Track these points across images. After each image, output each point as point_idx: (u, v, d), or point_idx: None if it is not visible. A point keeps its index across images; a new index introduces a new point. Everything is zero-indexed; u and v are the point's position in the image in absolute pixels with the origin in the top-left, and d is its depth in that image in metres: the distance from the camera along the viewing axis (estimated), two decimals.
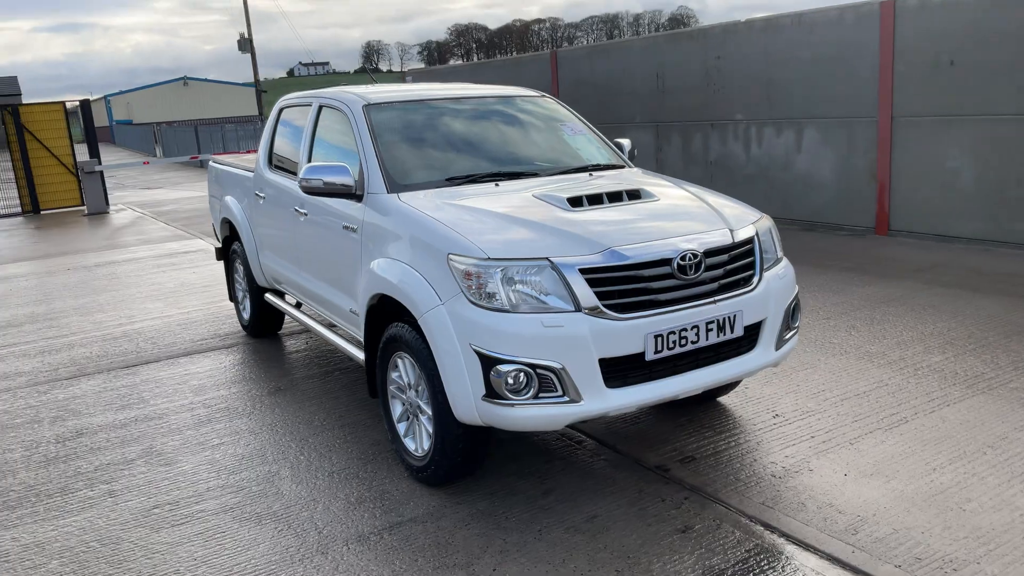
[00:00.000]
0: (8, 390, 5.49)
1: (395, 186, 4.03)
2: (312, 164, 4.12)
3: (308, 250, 4.83)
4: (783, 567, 2.98)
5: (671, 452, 3.98)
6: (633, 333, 3.23)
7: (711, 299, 3.43)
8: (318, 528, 3.44)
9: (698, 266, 3.38)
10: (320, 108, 4.86)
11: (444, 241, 3.40)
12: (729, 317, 3.47)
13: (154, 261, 10.29)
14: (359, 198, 4.09)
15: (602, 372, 3.22)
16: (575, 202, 3.68)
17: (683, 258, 3.34)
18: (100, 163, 16.69)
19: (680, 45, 11.34)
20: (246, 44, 41.57)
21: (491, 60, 17.15)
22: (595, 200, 3.73)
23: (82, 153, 18.74)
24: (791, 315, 3.86)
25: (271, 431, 4.53)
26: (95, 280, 9.25)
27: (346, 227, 4.20)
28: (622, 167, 4.71)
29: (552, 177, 4.28)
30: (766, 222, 3.93)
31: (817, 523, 3.26)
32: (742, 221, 3.75)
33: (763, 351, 3.68)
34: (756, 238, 3.71)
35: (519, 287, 3.20)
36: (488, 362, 3.17)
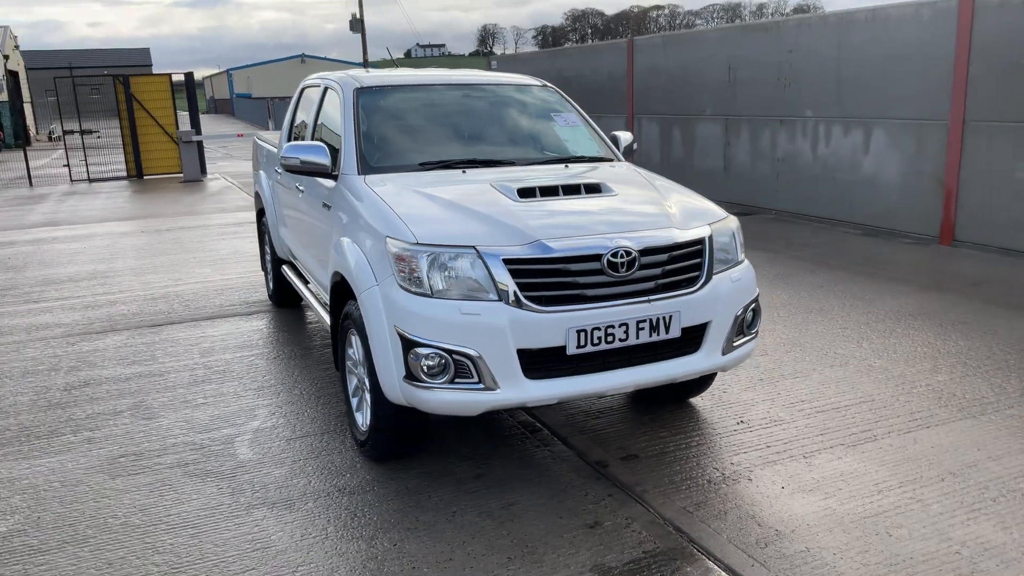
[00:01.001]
0: (43, 339, 5.96)
1: (366, 168, 4.14)
2: (292, 143, 4.28)
3: (302, 225, 5.02)
4: (672, 572, 2.93)
5: (617, 448, 3.96)
6: (554, 326, 3.23)
7: (645, 298, 3.38)
8: (254, 490, 3.62)
9: (631, 264, 3.34)
10: (325, 90, 5.02)
11: (384, 224, 3.49)
12: (664, 317, 3.41)
13: (220, 229, 10.84)
14: (335, 178, 4.23)
15: (521, 363, 3.24)
16: (525, 193, 3.69)
17: (615, 255, 3.31)
18: (197, 134, 17.62)
19: (753, 37, 10.98)
20: (357, 24, 42.77)
21: (570, 47, 17.07)
22: (549, 192, 3.73)
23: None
24: (746, 321, 3.75)
25: (255, 395, 4.76)
26: (160, 244, 9.85)
27: (324, 204, 4.35)
28: (610, 161, 4.66)
29: (526, 167, 4.29)
30: (728, 224, 3.82)
31: (730, 533, 3.18)
32: (696, 222, 3.66)
33: (707, 355, 3.60)
34: (708, 240, 3.61)
35: (445, 273, 3.26)
36: (408, 344, 3.24)
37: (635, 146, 5.04)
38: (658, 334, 3.42)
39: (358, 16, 42.31)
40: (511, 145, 4.55)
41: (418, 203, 3.64)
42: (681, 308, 3.45)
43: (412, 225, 3.39)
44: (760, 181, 11.13)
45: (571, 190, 3.78)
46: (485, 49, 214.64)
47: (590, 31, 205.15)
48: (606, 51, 14.50)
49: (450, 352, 3.20)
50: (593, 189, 3.83)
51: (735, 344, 3.71)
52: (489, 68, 18.85)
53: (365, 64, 45.51)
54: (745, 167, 11.37)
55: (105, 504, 3.52)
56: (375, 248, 3.49)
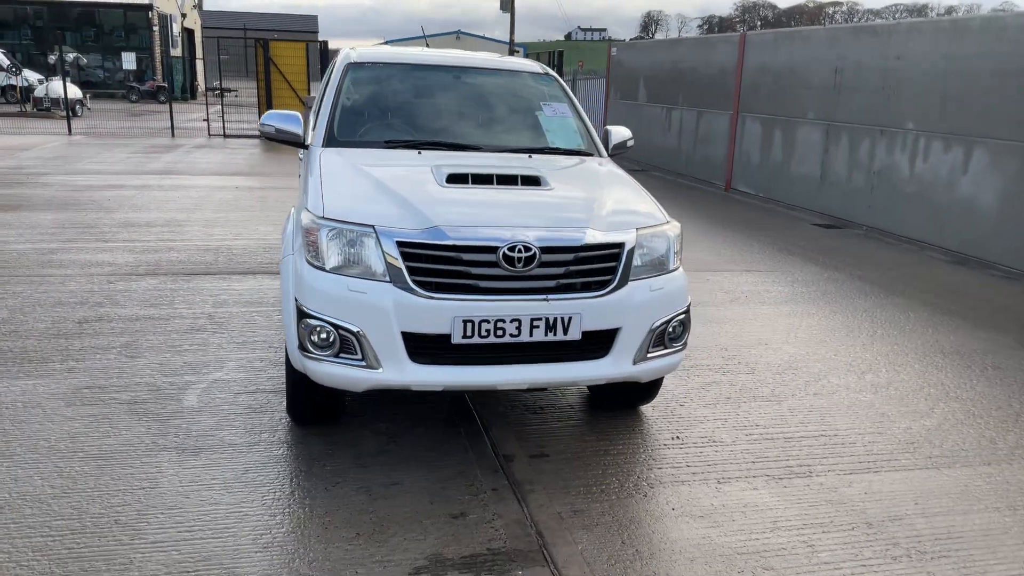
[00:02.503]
0: (89, 276, 6.52)
1: (331, 140, 4.26)
2: (271, 111, 4.46)
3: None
4: (502, 572, 2.89)
5: (534, 445, 3.90)
6: (438, 313, 3.23)
7: (543, 296, 3.31)
8: (176, 434, 3.85)
9: (530, 260, 3.27)
10: (338, 63, 5.18)
11: (310, 196, 3.60)
12: (563, 318, 3.33)
13: None
14: (306, 147, 4.37)
15: (407, 346, 3.27)
16: (455, 179, 3.68)
17: (512, 249, 3.26)
18: None
19: (863, 40, 10.26)
20: (507, 4, 43.18)
21: (686, 38, 16.53)
22: (481, 180, 3.71)
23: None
24: (668, 333, 3.59)
25: (235, 348, 5.02)
26: (243, 200, 10.46)
27: (299, 174, 4.52)
28: (588, 155, 4.55)
29: (489, 153, 4.27)
30: (664, 230, 3.66)
31: (587, 545, 3.09)
32: (621, 226, 3.53)
33: (614, 362, 3.48)
34: (632, 245, 3.48)
35: (342, 249, 3.32)
36: (301, 315, 3.34)
37: (630, 143, 4.89)
38: (555, 334, 3.34)
39: None
40: (484, 130, 4.54)
41: (350, 179, 3.72)
42: (583, 311, 3.35)
43: (327, 200, 3.48)
44: (854, 193, 10.45)
45: (506, 180, 3.74)
46: (647, 36, 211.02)
47: (759, 24, 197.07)
48: (719, 45, 13.97)
49: (336, 327, 3.27)
50: (530, 181, 3.77)
51: (650, 355, 3.56)
52: (609, 55, 18.62)
53: (511, 44, 45.93)
54: (841, 177, 10.69)
55: (46, 428, 3.85)
56: (298, 219, 3.60)
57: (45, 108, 24.58)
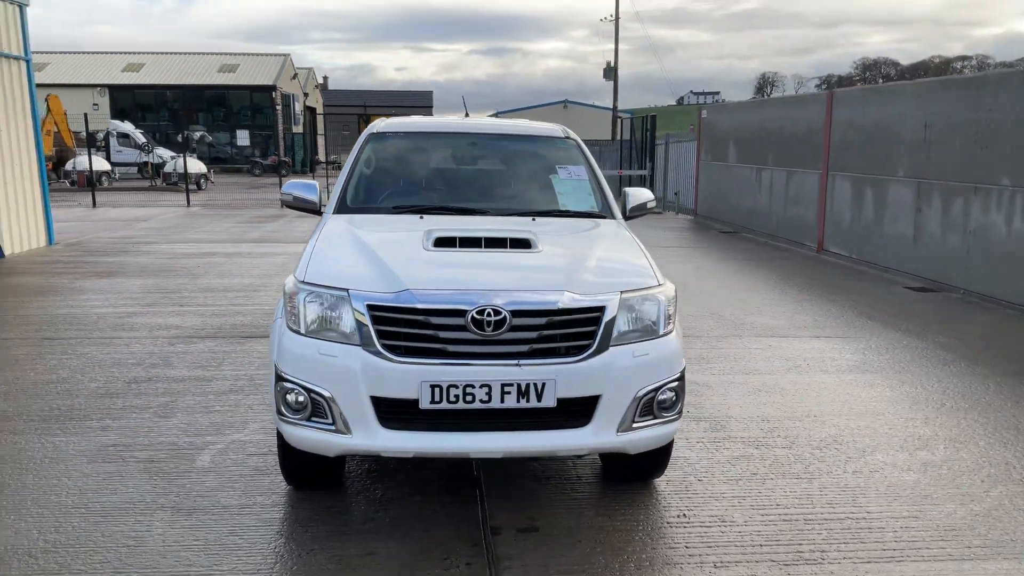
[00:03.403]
0: (154, 338, 6.88)
1: (343, 207, 4.36)
2: (292, 181, 4.62)
3: None
4: None
5: (527, 517, 3.74)
6: (406, 377, 3.19)
7: (515, 361, 3.21)
8: (177, 493, 3.92)
9: (500, 324, 3.20)
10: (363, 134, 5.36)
11: (300, 261, 3.67)
12: (536, 384, 3.21)
13: None
14: (321, 213, 4.50)
15: (376, 410, 3.24)
16: (442, 242, 3.67)
17: (480, 312, 3.19)
18: None
19: (951, 93, 9.72)
20: (610, 72, 43.86)
21: (774, 98, 16.16)
22: (470, 243, 3.68)
23: None
24: (658, 401, 3.40)
25: (263, 410, 5.12)
26: None
27: None
28: (598, 217, 4.46)
29: (492, 217, 4.25)
30: (654, 293, 3.50)
31: None
32: (605, 288, 3.40)
33: (596, 432, 3.32)
34: (615, 309, 3.33)
35: (317, 313, 3.35)
36: (277, 378, 3.38)
37: (650, 204, 4.75)
38: (528, 401, 3.22)
39: (612, 64, 43.39)
40: (492, 195, 4.53)
41: (341, 244, 3.78)
42: (557, 377, 3.22)
43: (311, 265, 3.53)
44: (950, 255, 9.76)
45: (494, 243, 3.70)
46: (761, 96, 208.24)
47: (881, 81, 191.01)
48: (808, 103, 13.59)
49: (308, 390, 3.28)
50: (519, 244, 3.71)
51: (636, 425, 3.37)
52: (699, 117, 18.46)
53: (614, 111, 46.40)
54: (935, 237, 10.04)
55: (61, 483, 4.02)
56: (284, 284, 3.68)
57: (173, 182, 26.65)
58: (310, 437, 3.32)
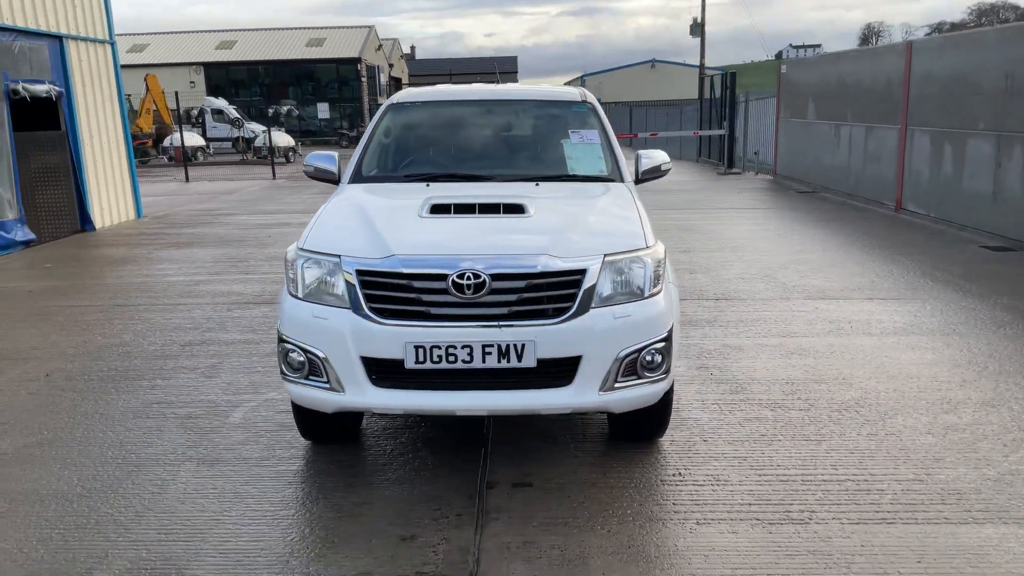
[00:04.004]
0: (215, 304, 7.31)
1: (357, 176, 4.54)
2: (314, 152, 4.82)
3: None
4: None
5: (523, 473, 3.87)
6: (391, 339, 3.34)
7: (495, 323, 3.32)
8: (207, 446, 4.24)
9: (480, 287, 3.30)
10: (383, 104, 5.50)
11: (305, 229, 3.87)
12: (516, 345, 3.32)
13: None
14: (338, 183, 4.68)
15: (367, 370, 3.41)
16: (438, 209, 3.79)
17: (460, 276, 3.31)
18: None
19: None
20: (697, 29, 42.55)
21: (851, 50, 15.37)
22: (464, 209, 3.79)
23: None
24: (642, 362, 3.45)
25: None
26: None
27: None
28: (608, 181, 4.47)
29: (496, 183, 4.33)
30: (643, 255, 3.52)
31: None
32: (588, 251, 3.44)
33: (578, 391, 3.40)
34: (596, 271, 3.38)
35: (312, 278, 3.55)
36: (279, 339, 3.60)
37: (665, 167, 4.71)
38: (508, 361, 3.33)
39: (699, 20, 42.06)
40: (500, 160, 4.61)
41: (343, 213, 3.95)
42: (537, 338, 3.31)
43: (311, 232, 3.72)
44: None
45: (488, 209, 3.79)
46: (869, 44, 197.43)
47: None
48: (885, 55, 12.93)
49: (305, 351, 3.48)
50: (512, 209, 3.79)
51: (619, 385, 3.43)
52: (779, 73, 17.81)
53: (701, 68, 45.06)
54: (1015, 193, 9.47)
55: (106, 436, 4.40)
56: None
57: (263, 156, 27.62)
58: (308, 394, 3.54)
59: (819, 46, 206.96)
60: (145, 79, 30.06)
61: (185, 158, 22.88)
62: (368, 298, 3.39)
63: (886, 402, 4.69)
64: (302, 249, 3.61)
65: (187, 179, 21.51)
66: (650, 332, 3.46)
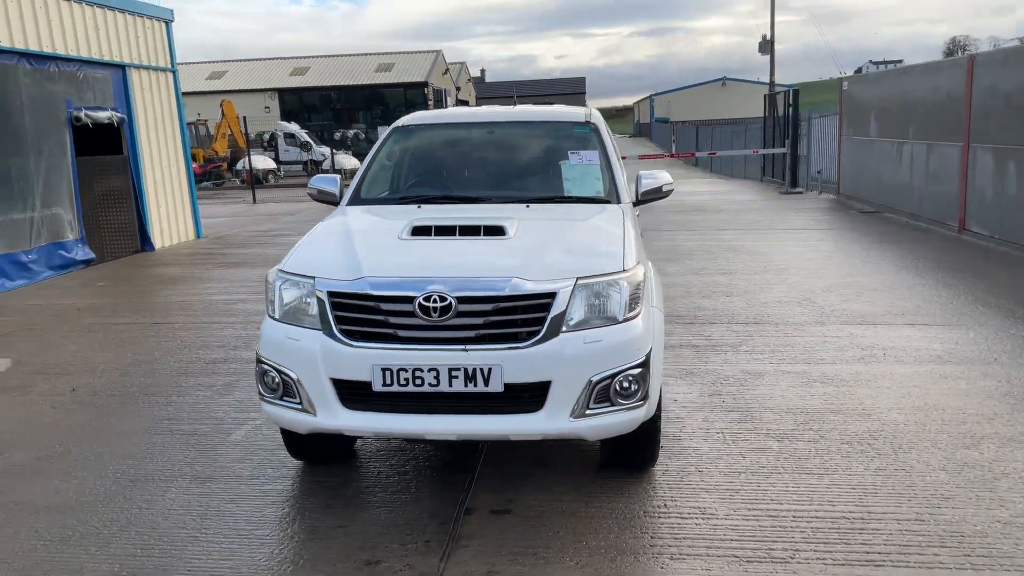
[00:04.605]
0: (246, 323, 7.47)
1: (356, 199, 4.58)
2: (318, 175, 4.89)
3: None
4: None
5: (505, 500, 3.80)
6: (359, 361, 3.34)
7: (461, 346, 3.28)
8: (202, 464, 4.31)
9: (445, 310, 3.28)
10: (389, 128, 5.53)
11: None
12: (483, 369, 3.27)
13: None
14: (337, 204, 4.73)
15: (338, 392, 3.42)
16: (419, 231, 3.79)
17: (427, 299, 3.28)
18: None
19: None
20: (766, 46, 41.77)
21: (914, 65, 14.76)
22: (444, 231, 3.77)
23: None
24: (615, 388, 3.35)
25: None
26: None
27: None
28: (603, 203, 4.40)
29: (487, 205, 4.31)
30: (619, 279, 3.43)
31: None
32: (560, 274, 3.37)
33: (549, 417, 3.33)
34: (567, 295, 3.31)
35: (287, 299, 3.58)
36: (257, 359, 3.65)
37: (666, 188, 4.59)
38: (475, 385, 3.28)
39: (767, 38, 41.29)
40: (494, 182, 4.57)
41: (328, 234, 3.99)
42: (503, 362, 3.26)
43: (293, 255, 3.77)
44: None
45: (468, 231, 3.76)
46: (961, 53, 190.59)
47: None
48: (946, 70, 12.40)
49: (279, 371, 3.51)
50: (493, 231, 3.75)
51: (591, 412, 3.34)
52: (841, 90, 17.32)
53: (771, 86, 44.17)
54: None
55: (115, 450, 4.53)
56: None
57: None
58: (283, 415, 3.56)
59: (900, 62, 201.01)
60: (221, 105, 31.30)
61: (255, 180, 23.63)
62: (338, 319, 3.40)
63: (903, 435, 4.44)
64: (281, 271, 3.66)
65: (254, 200, 22.21)
66: (624, 358, 3.36)
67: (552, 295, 3.31)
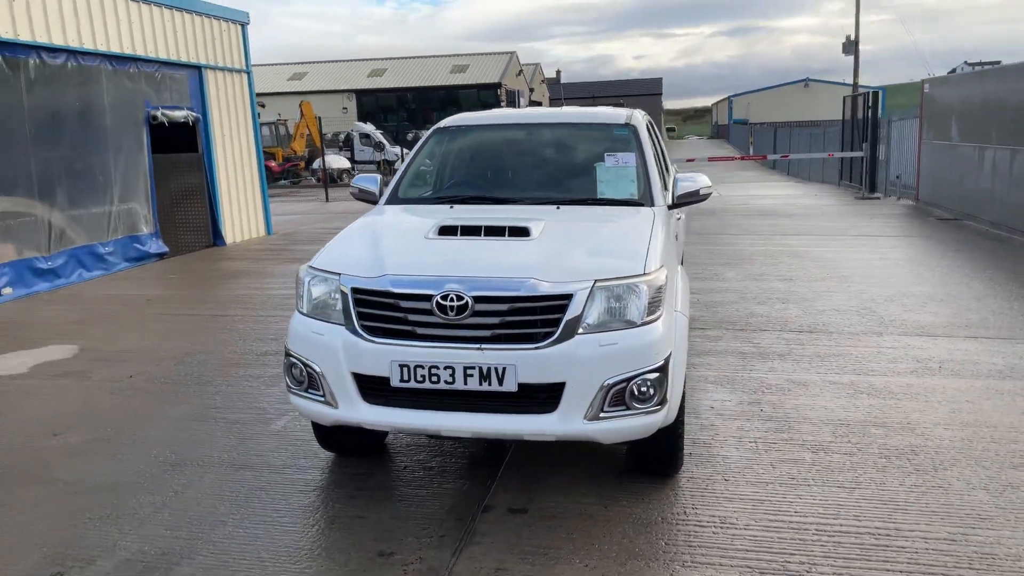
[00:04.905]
0: None
1: (393, 198, 4.67)
2: (360, 175, 5.00)
3: None
4: None
5: (525, 499, 3.82)
6: (378, 356, 3.42)
7: (476, 345, 3.32)
8: (241, 452, 4.47)
9: (462, 309, 3.32)
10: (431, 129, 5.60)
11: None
12: (497, 368, 3.30)
13: None
14: (376, 203, 4.83)
15: (359, 386, 3.50)
16: (446, 231, 3.84)
17: (444, 297, 3.33)
18: None
19: None
20: (850, 47, 40.45)
21: (999, 67, 14.05)
22: (470, 231, 3.82)
23: None
24: (631, 392, 3.32)
25: None
26: None
27: None
28: (636, 205, 4.36)
29: (519, 206, 4.33)
30: (639, 282, 3.40)
31: None
32: (579, 276, 3.37)
33: (563, 419, 3.33)
34: (584, 297, 3.31)
35: (315, 295, 3.69)
36: (285, 352, 3.76)
37: (703, 191, 4.52)
38: (489, 384, 3.31)
39: (852, 38, 39.98)
40: (528, 184, 4.59)
41: (360, 233, 4.08)
42: (518, 362, 3.28)
43: (324, 252, 3.88)
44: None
45: (493, 231, 3.80)
46: None
47: None
48: None
49: (305, 365, 3.62)
50: (518, 232, 3.77)
51: (605, 415, 3.33)
52: (921, 92, 16.67)
53: (854, 87, 42.78)
54: None
55: (162, 436, 4.74)
56: None
57: None
58: (308, 407, 3.67)
59: (998, 63, 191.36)
60: (300, 105, 32.18)
61: (329, 179, 24.21)
62: (360, 315, 3.48)
63: (947, 451, 4.26)
64: (311, 267, 3.77)
65: (327, 199, 22.77)
66: (640, 361, 3.33)
67: (568, 296, 3.32)
